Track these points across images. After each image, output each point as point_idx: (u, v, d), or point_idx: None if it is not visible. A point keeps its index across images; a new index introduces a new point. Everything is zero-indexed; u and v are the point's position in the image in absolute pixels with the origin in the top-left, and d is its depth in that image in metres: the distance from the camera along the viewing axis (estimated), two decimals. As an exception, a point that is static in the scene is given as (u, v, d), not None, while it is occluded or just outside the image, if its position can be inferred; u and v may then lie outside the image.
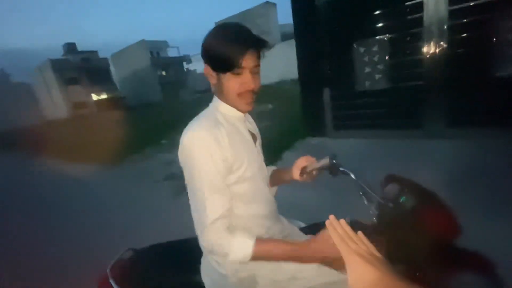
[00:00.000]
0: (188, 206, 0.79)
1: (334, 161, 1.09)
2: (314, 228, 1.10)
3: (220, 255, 0.77)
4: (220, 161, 0.75)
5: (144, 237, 1.26)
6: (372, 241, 0.53)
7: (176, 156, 0.79)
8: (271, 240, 0.80)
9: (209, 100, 0.89)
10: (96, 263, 1.13)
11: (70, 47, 33.16)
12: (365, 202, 1.12)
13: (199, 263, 0.94)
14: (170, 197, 3.49)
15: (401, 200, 1.08)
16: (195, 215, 0.77)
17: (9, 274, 2.29)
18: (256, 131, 0.97)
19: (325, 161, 1.00)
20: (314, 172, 1.01)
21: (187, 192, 0.79)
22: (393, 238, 0.96)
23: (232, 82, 0.76)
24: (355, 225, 1.12)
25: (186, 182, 0.80)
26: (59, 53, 33.83)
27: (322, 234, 0.72)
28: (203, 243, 0.76)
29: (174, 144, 0.80)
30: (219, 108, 0.84)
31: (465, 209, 0.95)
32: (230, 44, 0.71)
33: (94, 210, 3.55)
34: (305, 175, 1.01)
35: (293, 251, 0.74)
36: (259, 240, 0.74)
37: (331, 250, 0.69)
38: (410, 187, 1.09)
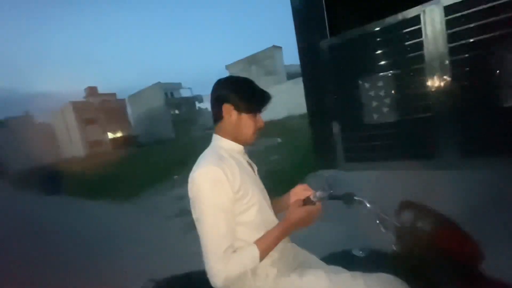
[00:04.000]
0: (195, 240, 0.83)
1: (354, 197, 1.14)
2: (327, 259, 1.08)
3: (235, 279, 0.80)
4: (229, 193, 0.82)
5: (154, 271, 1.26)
6: None
7: (187, 191, 0.86)
8: (264, 235, 0.88)
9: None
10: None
11: (92, 90, 35.68)
12: (382, 230, 1.12)
13: None
14: (180, 231, 3.46)
15: (418, 225, 1.08)
16: (205, 248, 0.80)
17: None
18: (251, 162, 1.05)
19: (323, 194, 0.97)
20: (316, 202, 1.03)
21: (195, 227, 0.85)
22: (412, 262, 0.95)
23: (250, 121, 0.95)
24: (373, 256, 1.11)
25: (195, 217, 0.85)
26: (80, 96, 36.30)
27: (292, 204, 0.92)
28: (214, 279, 0.77)
29: (185, 180, 0.89)
30: (221, 144, 0.95)
31: (482, 239, 0.94)
32: (262, 94, 0.95)
33: (108, 243, 3.54)
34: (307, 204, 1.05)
35: (282, 230, 0.88)
36: (257, 241, 0.85)
37: (302, 214, 0.89)
38: (425, 212, 1.09)
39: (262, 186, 1.01)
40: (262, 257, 0.83)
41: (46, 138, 33.39)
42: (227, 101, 0.92)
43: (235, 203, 0.84)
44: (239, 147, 0.98)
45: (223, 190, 0.81)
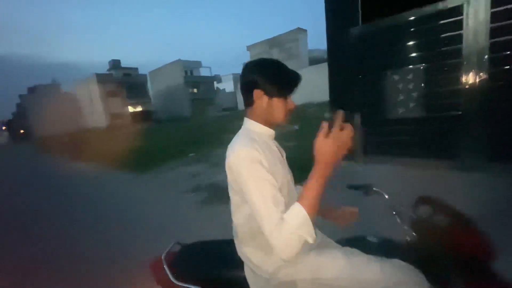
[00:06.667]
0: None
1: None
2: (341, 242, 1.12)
3: (297, 248, 0.76)
4: (266, 167, 0.83)
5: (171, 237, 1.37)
6: None
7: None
8: (303, 193, 0.80)
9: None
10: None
11: (115, 63, 36.37)
12: (398, 221, 1.14)
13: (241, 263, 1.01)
14: (196, 205, 3.62)
15: (434, 219, 1.10)
16: (259, 219, 0.79)
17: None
18: (280, 147, 1.06)
19: None
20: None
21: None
22: (426, 252, 0.98)
23: (281, 104, 0.94)
24: (387, 244, 1.14)
25: (238, 199, 0.89)
26: (104, 68, 37.21)
27: (317, 139, 0.79)
28: (278, 253, 0.76)
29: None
30: (252, 128, 0.96)
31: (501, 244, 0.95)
32: (291, 77, 0.93)
33: (123, 210, 3.77)
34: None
35: (319, 177, 0.79)
36: (300, 200, 0.78)
37: (331, 144, 0.77)
38: (442, 208, 1.10)
39: (288, 168, 1.02)
40: (311, 213, 0.77)
41: (71, 107, 34.84)
42: (257, 87, 0.91)
43: None
44: (270, 132, 0.98)
45: (261, 165, 0.82)
